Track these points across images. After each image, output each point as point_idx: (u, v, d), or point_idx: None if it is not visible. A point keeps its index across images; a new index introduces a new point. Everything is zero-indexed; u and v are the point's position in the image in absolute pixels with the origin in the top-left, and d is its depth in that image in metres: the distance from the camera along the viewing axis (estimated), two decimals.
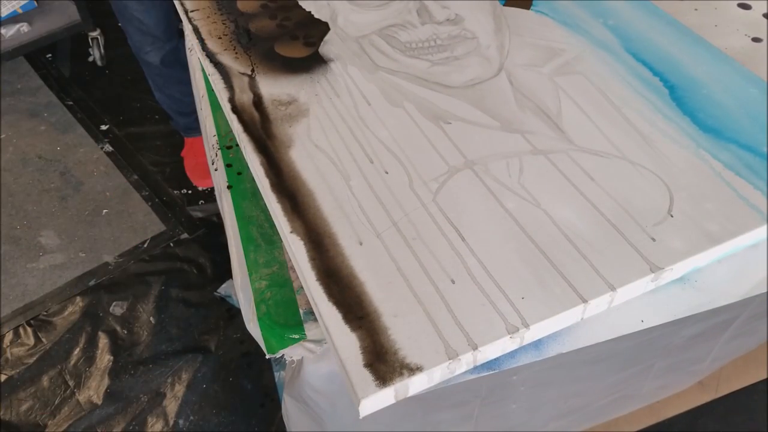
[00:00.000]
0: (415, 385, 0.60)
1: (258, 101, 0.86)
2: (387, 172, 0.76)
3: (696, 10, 1.00)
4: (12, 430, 1.34)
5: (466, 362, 0.61)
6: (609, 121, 0.82)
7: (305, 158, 0.79)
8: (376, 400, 0.58)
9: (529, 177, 0.75)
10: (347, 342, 0.61)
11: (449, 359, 0.59)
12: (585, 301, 0.64)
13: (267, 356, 0.76)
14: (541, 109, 0.83)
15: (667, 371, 1.08)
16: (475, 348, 0.60)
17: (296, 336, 0.74)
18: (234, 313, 1.51)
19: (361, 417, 0.60)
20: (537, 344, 0.69)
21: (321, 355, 0.76)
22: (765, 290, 0.78)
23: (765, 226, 0.72)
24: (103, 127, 1.96)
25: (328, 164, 0.78)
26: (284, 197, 0.74)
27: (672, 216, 0.71)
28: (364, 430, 0.85)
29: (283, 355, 0.76)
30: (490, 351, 0.62)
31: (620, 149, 0.78)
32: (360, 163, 0.77)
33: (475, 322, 0.62)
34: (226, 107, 0.86)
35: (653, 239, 0.69)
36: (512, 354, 0.68)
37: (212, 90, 1.02)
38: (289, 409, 0.95)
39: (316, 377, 0.81)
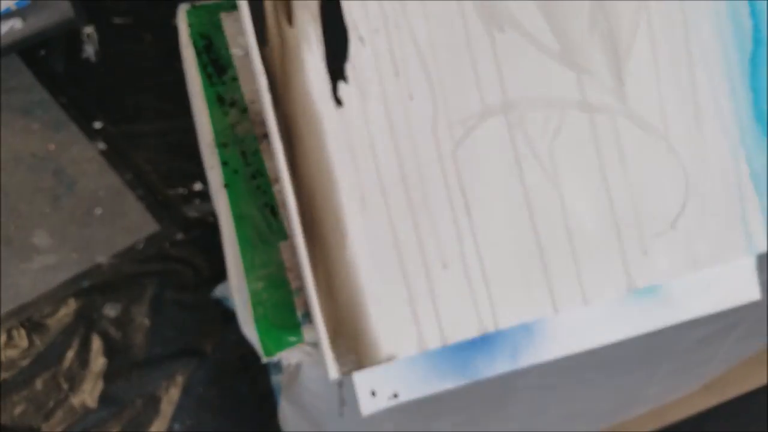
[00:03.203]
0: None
1: None
2: (411, 98, 0.66)
3: None
4: None
5: (433, 349, 0.64)
6: (675, 78, 0.72)
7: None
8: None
9: (562, 143, 0.69)
10: (328, 316, 0.62)
11: (419, 350, 0.62)
12: (556, 311, 0.65)
13: (263, 360, 0.75)
14: (612, 39, 0.72)
15: (672, 374, 1.08)
16: (445, 343, 0.62)
17: (294, 339, 0.73)
18: (230, 316, 1.50)
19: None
20: (513, 354, 0.70)
21: (319, 358, 0.75)
22: (732, 305, 0.76)
23: (751, 260, 0.70)
24: (97, 125, 1.94)
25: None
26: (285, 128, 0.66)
27: (674, 229, 0.69)
28: None
29: (280, 358, 0.75)
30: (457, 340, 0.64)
31: (667, 123, 0.70)
32: (383, 74, 0.66)
33: (452, 316, 0.63)
34: None
35: (645, 253, 0.67)
36: (490, 362, 0.69)
37: (207, 86, 1.00)
38: (286, 414, 0.94)
39: (314, 381, 0.81)
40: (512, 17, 0.70)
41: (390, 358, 0.61)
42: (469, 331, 0.62)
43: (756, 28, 0.74)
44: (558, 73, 0.70)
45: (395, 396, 0.71)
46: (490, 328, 0.62)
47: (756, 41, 0.74)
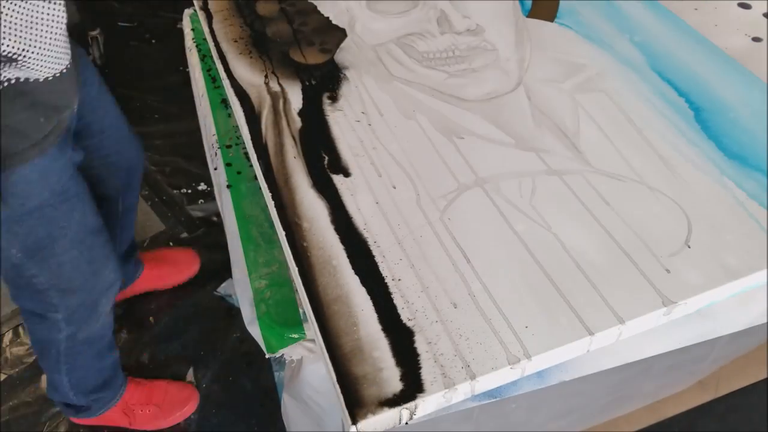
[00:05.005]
0: (405, 414, 0.58)
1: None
2: (395, 187, 0.74)
3: (696, 9, 0.99)
4: (11, 429, 1.34)
5: (463, 392, 0.59)
6: (629, 143, 0.78)
7: None
8: (367, 425, 0.56)
9: (542, 198, 0.72)
10: (341, 366, 0.59)
11: (445, 388, 0.57)
12: (591, 333, 0.61)
13: (267, 356, 0.76)
14: (559, 128, 0.80)
15: (667, 371, 1.08)
16: (473, 378, 0.58)
17: (296, 335, 0.74)
18: (234, 313, 1.51)
19: None
20: (540, 372, 0.67)
21: (320, 354, 0.76)
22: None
23: None
24: None
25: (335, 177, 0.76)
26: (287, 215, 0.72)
27: (689, 247, 0.68)
28: None
29: (283, 354, 0.77)
30: (489, 381, 0.60)
31: (639, 173, 0.75)
32: (367, 176, 0.75)
33: (475, 351, 0.60)
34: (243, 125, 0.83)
35: (667, 271, 0.66)
36: (514, 381, 0.66)
37: (211, 89, 1.02)
38: (289, 409, 0.95)
39: (316, 377, 0.81)
40: (466, 129, 0.81)
41: (412, 400, 0.56)
42: (498, 363, 0.58)
43: (689, 101, 0.83)
44: (519, 155, 0.77)
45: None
46: (521, 357, 0.59)
47: (695, 108, 0.83)
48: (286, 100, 0.84)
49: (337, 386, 0.58)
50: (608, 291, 0.64)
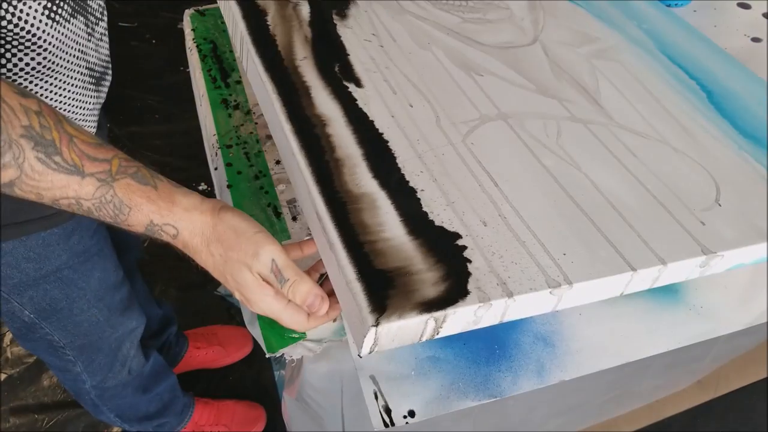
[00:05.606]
0: (431, 325, 0.52)
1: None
2: (411, 106, 0.68)
3: (695, 11, 1.00)
4: (11, 429, 1.34)
5: (496, 310, 0.53)
6: (649, 108, 0.76)
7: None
8: (389, 330, 0.50)
9: (568, 140, 0.69)
10: (364, 264, 0.53)
11: (480, 302, 0.51)
12: (633, 269, 0.57)
13: (267, 355, 0.75)
14: (578, 83, 0.77)
15: (666, 370, 1.08)
16: (510, 296, 0.52)
17: (296, 335, 0.74)
18: (234, 313, 1.51)
19: (360, 355, 0.51)
20: (539, 371, 0.67)
21: (321, 354, 0.76)
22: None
23: None
24: None
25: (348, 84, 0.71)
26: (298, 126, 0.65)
27: (720, 205, 0.66)
28: (363, 429, 0.86)
29: (283, 354, 0.76)
30: (526, 302, 0.54)
31: (662, 135, 0.72)
32: (381, 91, 0.70)
33: (510, 269, 0.54)
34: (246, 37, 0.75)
35: (703, 223, 0.63)
36: (513, 380, 0.65)
37: (211, 89, 1.02)
38: (289, 409, 0.95)
39: (316, 376, 0.80)
40: (484, 68, 0.77)
41: (442, 309, 0.50)
42: (537, 285, 0.53)
43: (700, 83, 0.83)
44: (541, 100, 0.74)
45: (411, 414, 0.68)
46: (562, 282, 0.53)
47: (706, 91, 0.82)
48: (296, 6, 0.80)
49: (358, 283, 0.51)
50: (646, 233, 0.61)
